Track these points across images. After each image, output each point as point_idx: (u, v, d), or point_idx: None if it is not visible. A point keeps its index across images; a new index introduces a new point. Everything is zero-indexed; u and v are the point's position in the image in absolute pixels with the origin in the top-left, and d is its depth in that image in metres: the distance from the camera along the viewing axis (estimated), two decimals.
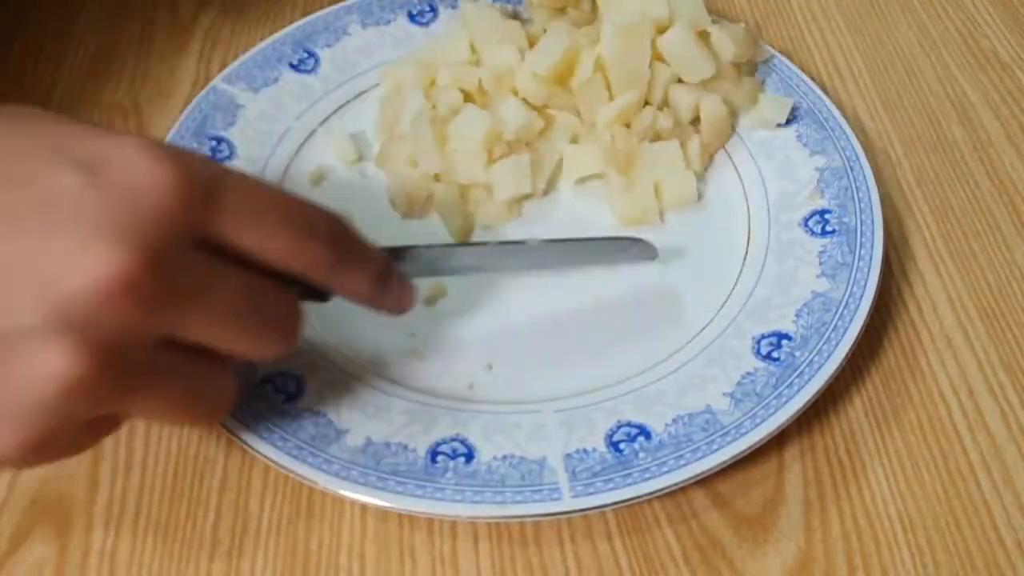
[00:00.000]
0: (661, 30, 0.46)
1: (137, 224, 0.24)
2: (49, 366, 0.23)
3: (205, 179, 0.25)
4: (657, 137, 0.45)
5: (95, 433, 0.28)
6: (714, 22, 0.47)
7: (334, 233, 0.29)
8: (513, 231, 0.44)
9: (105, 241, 0.23)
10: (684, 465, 0.34)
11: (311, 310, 0.31)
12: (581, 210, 0.45)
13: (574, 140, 0.46)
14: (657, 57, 0.46)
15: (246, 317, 0.27)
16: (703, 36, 0.47)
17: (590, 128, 0.46)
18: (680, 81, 0.46)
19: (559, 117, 0.46)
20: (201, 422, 0.29)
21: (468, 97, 0.46)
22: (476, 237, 0.44)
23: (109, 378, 0.24)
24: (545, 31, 0.47)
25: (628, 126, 0.45)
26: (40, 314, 0.23)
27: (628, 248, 0.41)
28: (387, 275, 0.32)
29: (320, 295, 0.31)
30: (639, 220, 0.44)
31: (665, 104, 0.46)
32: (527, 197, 0.45)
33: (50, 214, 0.23)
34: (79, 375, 0.23)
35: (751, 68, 0.48)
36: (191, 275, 0.25)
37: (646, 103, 0.46)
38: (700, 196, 0.45)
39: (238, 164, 0.44)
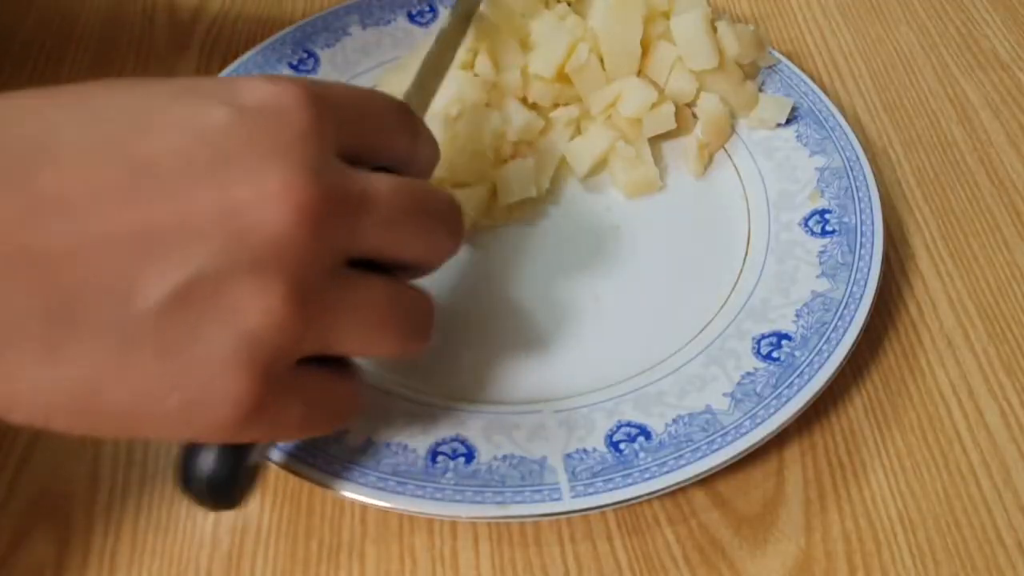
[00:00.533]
0: (664, 15, 0.46)
1: (295, 145, 0.24)
2: (256, 303, 0.23)
3: (317, 92, 0.26)
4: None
5: (331, 408, 0.28)
6: (718, 19, 0.47)
7: (413, 117, 0.30)
8: (514, 232, 0.44)
9: (276, 170, 0.23)
10: (684, 465, 0.34)
11: None
12: (582, 210, 0.45)
13: (575, 135, 0.46)
14: (665, 38, 0.46)
15: (411, 217, 0.27)
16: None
17: (590, 119, 0.46)
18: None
19: (558, 117, 0.46)
20: (406, 342, 0.28)
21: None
22: (476, 236, 0.44)
23: (309, 308, 0.24)
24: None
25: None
26: (233, 255, 0.23)
27: None
28: (435, 146, 0.32)
29: None
30: (644, 188, 0.45)
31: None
32: (531, 200, 0.45)
33: (214, 154, 0.23)
34: (284, 307, 0.23)
35: (753, 70, 0.48)
36: (353, 184, 0.25)
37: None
38: (700, 195, 0.45)
39: None
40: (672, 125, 0.46)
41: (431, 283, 0.41)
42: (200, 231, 0.23)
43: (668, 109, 0.46)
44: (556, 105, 0.46)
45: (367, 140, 0.27)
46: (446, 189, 0.29)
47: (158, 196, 0.23)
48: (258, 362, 0.24)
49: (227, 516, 0.35)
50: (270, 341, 0.23)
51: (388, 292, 0.27)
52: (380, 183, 0.26)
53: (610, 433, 0.35)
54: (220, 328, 0.23)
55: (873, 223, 0.41)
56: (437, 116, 0.44)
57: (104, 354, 0.22)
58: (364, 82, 0.49)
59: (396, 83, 0.48)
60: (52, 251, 0.22)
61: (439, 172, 0.44)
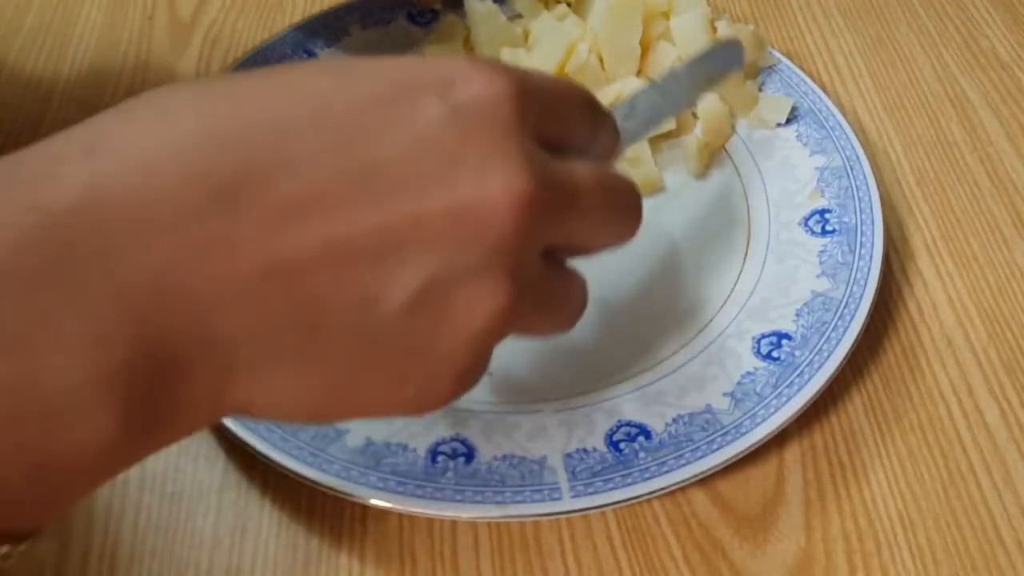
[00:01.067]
0: (664, 15, 0.46)
1: (509, 139, 0.24)
2: (486, 303, 0.24)
3: (518, 79, 0.26)
4: None
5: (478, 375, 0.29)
6: (718, 19, 0.47)
7: (597, 106, 0.30)
8: None
9: (496, 167, 0.23)
10: (684, 465, 0.34)
11: None
12: None
13: None
14: (665, 37, 0.46)
15: (606, 208, 0.27)
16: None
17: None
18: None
19: None
20: (565, 329, 0.29)
21: None
22: None
23: (524, 301, 0.25)
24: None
25: None
26: (464, 256, 0.23)
27: (729, 51, 0.41)
28: (617, 129, 0.31)
29: None
30: (644, 189, 0.44)
31: None
32: None
33: (437, 154, 0.23)
34: (507, 304, 0.24)
35: (753, 70, 0.48)
36: (562, 175, 0.25)
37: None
38: (700, 195, 0.45)
39: None
40: (671, 126, 0.46)
41: None
42: (434, 233, 0.23)
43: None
44: None
45: (560, 128, 0.27)
46: (628, 176, 0.29)
47: (391, 200, 0.23)
48: (484, 352, 0.25)
49: (227, 516, 0.35)
50: (495, 333, 0.25)
51: (568, 282, 0.29)
52: (582, 174, 0.26)
53: (610, 433, 0.35)
54: (454, 327, 0.24)
55: (873, 223, 0.41)
56: None
57: (350, 358, 0.23)
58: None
59: None
60: (296, 262, 0.22)
61: None
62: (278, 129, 0.22)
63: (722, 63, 0.40)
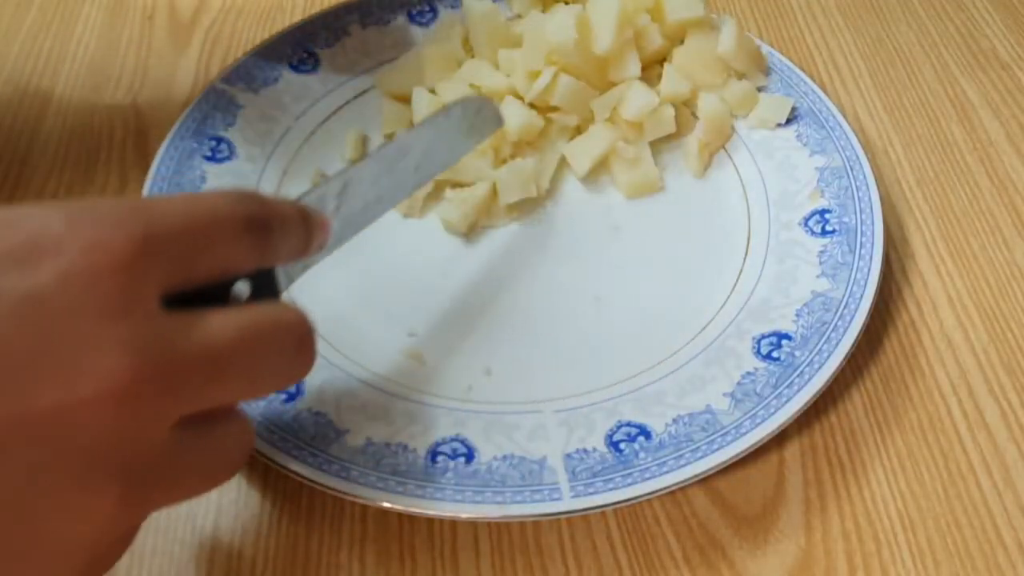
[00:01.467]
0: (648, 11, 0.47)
1: (113, 319, 0.21)
2: (87, 514, 0.22)
3: (138, 235, 0.22)
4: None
5: (118, 551, 0.26)
6: (722, 21, 0.48)
7: (261, 219, 0.26)
8: (514, 232, 0.44)
9: (93, 362, 0.21)
10: (684, 465, 0.34)
11: (314, 310, 0.30)
12: (582, 210, 0.45)
13: (575, 135, 0.46)
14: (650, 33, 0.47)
15: (263, 356, 0.25)
16: (706, 22, 0.47)
17: (590, 120, 0.46)
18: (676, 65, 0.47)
19: (558, 117, 0.46)
20: (224, 481, 0.26)
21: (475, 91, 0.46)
22: (476, 236, 0.44)
23: (146, 498, 0.23)
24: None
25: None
26: (58, 463, 0.21)
27: (479, 109, 0.39)
28: (310, 224, 0.29)
29: (270, 287, 0.28)
30: (644, 189, 0.45)
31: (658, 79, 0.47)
32: (531, 200, 0.45)
33: (12, 355, 0.20)
34: (117, 511, 0.22)
35: (753, 70, 0.48)
36: (187, 347, 0.23)
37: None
38: (700, 195, 0.46)
39: (238, 164, 0.44)
40: (672, 129, 0.46)
41: (431, 284, 0.42)
42: (11, 446, 0.20)
43: (668, 113, 0.46)
44: (549, 107, 0.46)
45: (210, 265, 0.24)
46: (294, 308, 0.26)
47: None
48: (103, 548, 0.23)
49: (227, 516, 0.35)
50: (112, 528, 0.23)
51: (221, 440, 0.26)
52: (221, 330, 0.23)
53: (610, 433, 0.35)
54: (57, 537, 0.22)
55: (873, 223, 0.41)
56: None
57: None
58: (364, 82, 0.49)
59: (395, 83, 0.48)
60: None
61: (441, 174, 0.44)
62: None
63: (471, 127, 0.37)
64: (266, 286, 0.27)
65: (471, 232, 0.44)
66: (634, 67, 0.45)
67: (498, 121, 0.41)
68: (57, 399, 0.20)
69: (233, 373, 0.24)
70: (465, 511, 0.33)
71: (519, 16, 0.50)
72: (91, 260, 0.21)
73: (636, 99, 0.45)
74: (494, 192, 0.44)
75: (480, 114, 0.40)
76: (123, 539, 0.24)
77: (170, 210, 0.23)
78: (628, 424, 0.35)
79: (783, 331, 0.38)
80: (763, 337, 0.38)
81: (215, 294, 0.25)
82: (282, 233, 0.27)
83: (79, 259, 0.21)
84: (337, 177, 0.32)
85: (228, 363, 0.24)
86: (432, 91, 0.47)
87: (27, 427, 0.20)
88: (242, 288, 0.26)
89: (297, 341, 0.26)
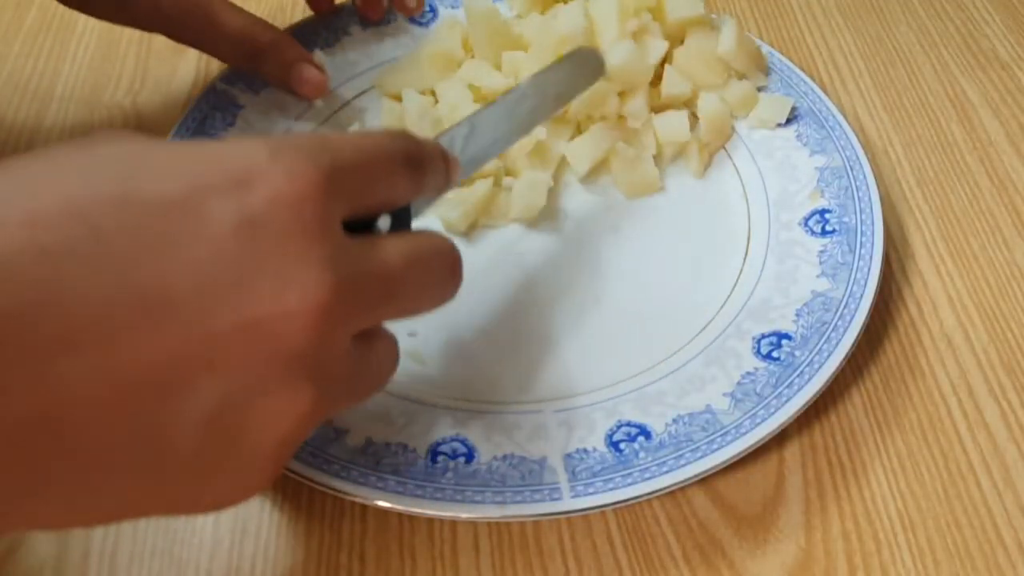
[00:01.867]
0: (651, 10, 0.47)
1: (310, 244, 0.23)
2: (288, 414, 0.23)
3: (327, 166, 0.24)
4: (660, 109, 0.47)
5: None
6: (722, 20, 0.47)
7: (417, 156, 0.29)
8: (514, 232, 0.44)
9: (293, 280, 0.23)
10: (684, 465, 0.34)
11: None
12: (582, 210, 0.45)
13: (575, 135, 0.46)
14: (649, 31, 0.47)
15: (424, 279, 0.27)
16: (706, 22, 0.47)
17: (588, 121, 0.46)
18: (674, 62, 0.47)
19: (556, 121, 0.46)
20: (383, 386, 0.29)
21: (473, 92, 0.46)
22: (476, 236, 0.44)
23: (331, 395, 0.25)
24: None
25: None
26: (260, 374, 0.23)
27: (587, 58, 0.42)
28: (449, 163, 0.32)
29: (405, 221, 0.30)
30: (644, 189, 0.45)
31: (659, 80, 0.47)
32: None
33: (228, 270, 0.22)
34: (310, 410, 0.24)
35: (753, 70, 0.48)
36: (369, 267, 0.25)
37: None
38: (700, 195, 0.46)
39: None
40: (686, 136, 0.46)
41: None
42: (226, 357, 0.22)
43: (681, 119, 0.46)
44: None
45: (377, 196, 0.27)
46: (446, 237, 0.29)
47: (176, 325, 0.21)
48: (290, 452, 0.25)
49: (227, 516, 0.35)
50: (301, 435, 0.24)
51: (379, 354, 0.28)
52: (394, 257, 0.26)
53: (610, 433, 0.35)
54: (255, 442, 0.23)
55: (873, 223, 0.41)
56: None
57: (141, 487, 0.22)
58: (364, 82, 0.49)
59: (395, 83, 0.48)
60: (68, 401, 0.20)
61: None
62: (48, 251, 0.20)
63: (578, 74, 0.40)
64: (403, 219, 0.29)
65: (471, 232, 0.44)
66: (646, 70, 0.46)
67: (602, 69, 0.43)
68: (269, 309, 0.22)
69: (402, 292, 0.26)
70: (465, 511, 0.33)
71: (519, 16, 0.50)
72: (295, 187, 0.23)
73: (670, 124, 0.46)
74: (494, 192, 0.44)
75: (588, 62, 0.43)
76: (301, 440, 0.25)
77: (348, 145, 0.26)
78: (628, 424, 0.35)
79: (783, 331, 0.38)
80: (763, 337, 0.38)
81: (362, 226, 0.27)
82: (431, 169, 0.30)
83: (285, 187, 0.23)
84: (465, 121, 0.35)
85: (400, 283, 0.26)
86: (432, 92, 0.47)
87: (244, 333, 0.22)
88: (385, 221, 0.28)
89: (451, 265, 0.29)
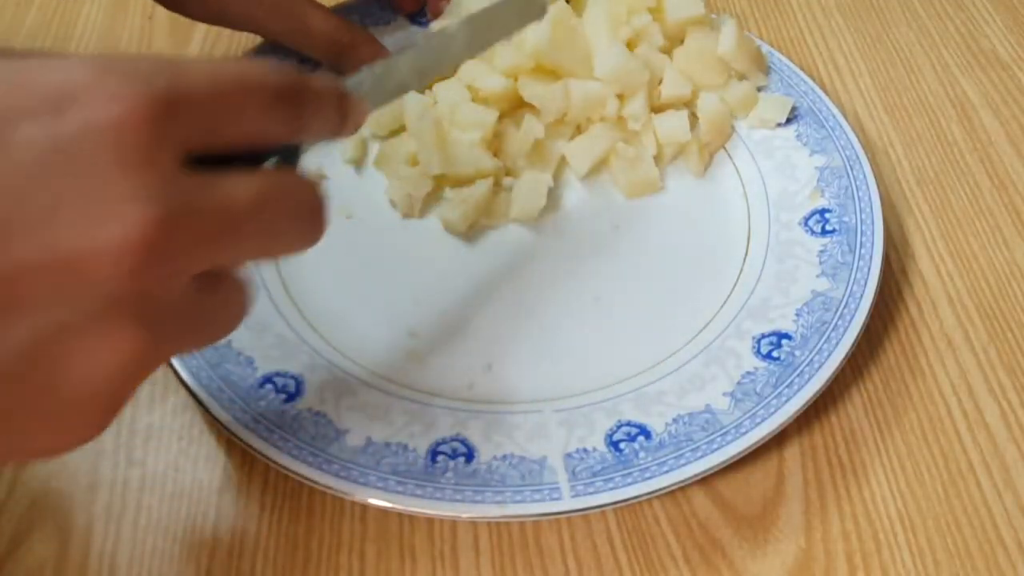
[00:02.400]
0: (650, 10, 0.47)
1: (130, 171, 0.21)
2: (111, 354, 0.22)
3: (162, 90, 0.22)
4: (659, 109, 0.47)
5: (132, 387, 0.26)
6: (723, 20, 0.48)
7: (294, 92, 0.27)
8: (514, 232, 0.44)
9: (108, 211, 0.21)
10: (684, 465, 0.34)
11: (314, 309, 0.30)
12: (582, 210, 0.45)
13: (575, 135, 0.46)
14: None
15: (277, 219, 0.25)
16: (706, 22, 0.47)
17: (588, 123, 0.46)
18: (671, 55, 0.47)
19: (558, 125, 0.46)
20: (227, 335, 0.27)
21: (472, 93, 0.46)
22: (476, 236, 0.44)
23: (164, 336, 0.24)
24: None
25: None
26: (74, 310, 0.21)
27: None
28: (345, 104, 0.29)
29: (294, 163, 0.29)
30: (644, 189, 0.45)
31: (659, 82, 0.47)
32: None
33: (35, 201, 0.21)
34: (136, 350, 0.23)
35: (753, 70, 0.48)
36: (205, 201, 0.23)
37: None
38: (700, 195, 0.46)
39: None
40: (687, 137, 0.46)
41: (431, 284, 0.42)
42: (31, 295, 0.21)
43: (682, 120, 0.46)
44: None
45: (232, 134, 0.24)
46: (310, 178, 0.27)
47: None
48: (122, 393, 0.23)
49: (227, 516, 0.35)
50: (131, 377, 0.23)
51: (226, 296, 0.26)
52: (238, 191, 0.24)
53: (610, 433, 0.35)
54: (78, 381, 0.22)
55: (873, 223, 0.41)
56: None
57: None
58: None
59: None
60: None
61: (439, 171, 0.44)
62: None
63: (513, 14, 0.38)
64: (290, 162, 0.28)
65: (471, 232, 0.44)
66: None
67: (541, 12, 0.40)
68: (80, 245, 0.21)
69: (248, 232, 0.24)
70: (465, 511, 0.33)
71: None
72: (115, 112, 0.21)
73: (670, 124, 0.46)
74: (493, 191, 0.44)
75: (526, 4, 0.40)
76: (134, 385, 0.24)
77: (199, 71, 0.24)
78: (628, 424, 0.35)
79: (783, 331, 0.38)
80: (763, 337, 0.38)
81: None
82: (315, 110, 0.27)
83: (103, 110, 0.21)
84: (381, 63, 0.32)
85: (244, 221, 0.24)
86: (429, 89, 0.47)
87: (48, 272, 0.21)
88: (271, 164, 0.27)
89: (310, 209, 0.27)
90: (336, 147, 0.47)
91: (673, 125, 0.46)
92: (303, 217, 0.26)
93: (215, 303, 0.26)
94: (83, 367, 0.22)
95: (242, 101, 0.24)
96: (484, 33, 0.38)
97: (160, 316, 0.23)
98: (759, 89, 0.48)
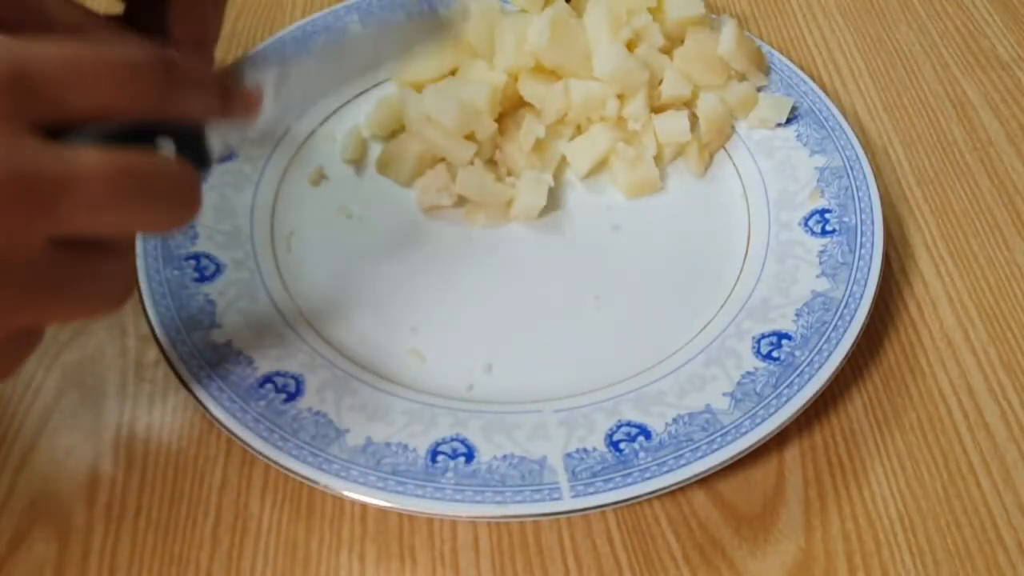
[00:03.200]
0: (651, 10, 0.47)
1: None
2: None
3: (16, 59, 0.23)
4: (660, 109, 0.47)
5: (15, 355, 0.27)
6: (723, 21, 0.48)
7: (158, 65, 0.27)
8: (514, 231, 0.44)
9: None
10: (684, 465, 0.34)
11: (314, 309, 0.30)
12: (582, 210, 0.45)
13: (575, 135, 0.46)
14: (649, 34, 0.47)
15: (125, 197, 0.25)
16: (706, 22, 0.47)
17: (588, 123, 0.46)
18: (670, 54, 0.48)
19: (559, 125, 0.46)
20: (104, 313, 0.27)
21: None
22: (476, 236, 0.44)
23: (16, 311, 0.24)
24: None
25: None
26: None
27: (430, 19, 0.39)
28: (227, 87, 0.30)
29: (198, 152, 0.29)
30: (644, 189, 0.45)
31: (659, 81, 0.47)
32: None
33: None
34: None
35: (753, 70, 0.48)
36: (47, 166, 0.23)
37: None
38: (700, 195, 0.46)
39: (238, 164, 0.44)
40: (687, 137, 0.46)
41: (432, 284, 0.42)
42: None
43: (682, 121, 0.46)
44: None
45: (83, 104, 0.25)
46: (182, 163, 0.27)
47: None
48: None
49: (227, 516, 0.35)
50: None
51: (94, 266, 0.26)
52: (86, 161, 0.24)
53: (610, 433, 0.35)
54: None
55: (873, 223, 0.41)
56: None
57: None
58: (364, 82, 0.49)
59: (412, 73, 0.48)
60: None
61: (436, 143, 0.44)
62: None
63: (415, 33, 0.38)
64: (193, 149, 0.28)
65: (471, 231, 0.44)
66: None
67: (444, 32, 0.39)
68: None
69: (93, 201, 0.24)
70: (465, 511, 0.33)
71: (524, 11, 0.50)
72: None
73: (670, 124, 0.46)
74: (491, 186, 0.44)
75: (430, 24, 0.39)
76: (10, 352, 0.24)
77: (54, 47, 0.24)
78: (628, 424, 0.35)
79: (783, 331, 0.38)
80: (763, 337, 0.38)
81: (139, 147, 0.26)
82: (187, 88, 0.28)
83: None
84: (277, 63, 0.32)
85: (85, 189, 0.24)
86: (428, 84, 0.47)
87: None
88: (165, 146, 0.27)
89: (173, 190, 0.27)
90: (336, 147, 0.47)
91: (673, 125, 0.46)
92: (163, 198, 0.27)
93: (83, 271, 0.26)
94: None
95: (96, 74, 0.25)
96: (386, 46, 0.38)
97: (12, 274, 0.23)
98: (759, 89, 0.48)
